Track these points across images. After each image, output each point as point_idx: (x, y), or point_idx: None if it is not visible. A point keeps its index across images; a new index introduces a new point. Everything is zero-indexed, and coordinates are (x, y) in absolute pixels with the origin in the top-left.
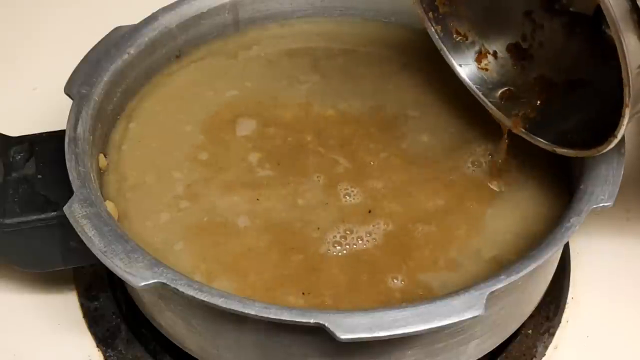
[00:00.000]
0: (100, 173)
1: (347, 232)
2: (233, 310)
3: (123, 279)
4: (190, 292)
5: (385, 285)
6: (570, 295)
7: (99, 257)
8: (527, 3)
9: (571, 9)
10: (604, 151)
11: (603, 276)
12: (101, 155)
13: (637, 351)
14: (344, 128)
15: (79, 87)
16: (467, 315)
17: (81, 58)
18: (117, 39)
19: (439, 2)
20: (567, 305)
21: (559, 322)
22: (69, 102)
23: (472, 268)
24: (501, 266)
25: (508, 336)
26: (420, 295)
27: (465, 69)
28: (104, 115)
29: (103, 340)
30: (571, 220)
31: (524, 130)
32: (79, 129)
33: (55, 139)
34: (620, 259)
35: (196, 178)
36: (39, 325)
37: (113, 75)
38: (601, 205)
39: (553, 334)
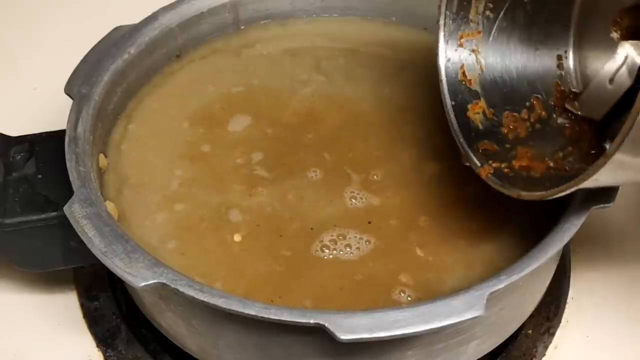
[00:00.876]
0: (101, 173)
1: (340, 237)
2: (233, 310)
3: (123, 279)
4: (191, 292)
5: (369, 294)
6: (570, 295)
7: (99, 257)
8: (541, 88)
9: (579, 113)
10: (581, 184)
11: (603, 276)
12: (101, 155)
13: (637, 351)
14: (345, 128)
15: (79, 87)
16: (468, 315)
17: (81, 58)
18: (117, 39)
19: (463, 35)
20: (567, 305)
21: (559, 322)
22: (69, 102)
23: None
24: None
25: (508, 336)
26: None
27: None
28: (104, 115)
29: (103, 340)
30: (571, 221)
31: (491, 177)
32: (79, 129)
33: (55, 139)
34: (620, 259)
35: (193, 176)
36: (39, 325)
37: (113, 75)
38: (601, 205)
39: (553, 334)
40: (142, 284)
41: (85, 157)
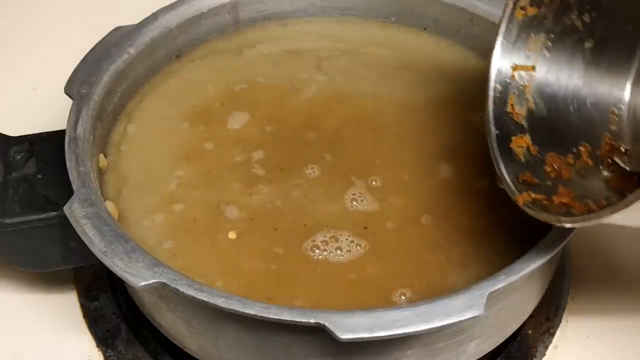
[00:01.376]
0: (101, 173)
1: (332, 239)
2: (233, 310)
3: (123, 279)
4: (191, 292)
5: (361, 298)
6: (570, 295)
7: (99, 257)
8: (591, 138)
9: (628, 169)
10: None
11: (603, 276)
12: (101, 155)
13: (637, 351)
14: (346, 127)
15: (79, 87)
16: (467, 315)
17: (81, 58)
18: (117, 39)
19: (517, 67)
20: (567, 305)
21: (559, 322)
22: (69, 102)
23: None
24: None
25: (508, 336)
26: None
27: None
28: (104, 115)
29: (103, 340)
30: None
31: (528, 204)
32: (79, 129)
33: (55, 138)
34: (620, 259)
35: (193, 176)
36: (39, 325)
37: (113, 75)
38: None
39: (553, 334)
40: (142, 283)
41: (85, 157)
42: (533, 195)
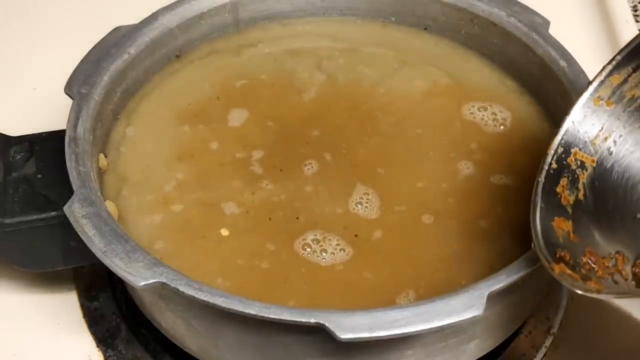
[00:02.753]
0: (101, 173)
1: (324, 240)
2: (233, 310)
3: (123, 278)
4: (191, 292)
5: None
6: (570, 295)
7: (99, 257)
8: (629, 253)
9: None
10: None
11: None
12: (101, 155)
13: (636, 352)
14: (348, 127)
15: (79, 87)
16: (467, 315)
17: (81, 58)
18: (117, 39)
19: (577, 153)
20: (567, 305)
21: (559, 322)
22: (69, 102)
23: None
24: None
25: (508, 336)
26: None
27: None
28: (104, 115)
29: (103, 340)
30: None
31: (564, 276)
32: (79, 129)
33: (55, 138)
34: None
35: (192, 177)
36: (39, 325)
37: (113, 75)
38: None
39: (553, 334)
40: (142, 283)
41: (85, 157)
42: (569, 271)
